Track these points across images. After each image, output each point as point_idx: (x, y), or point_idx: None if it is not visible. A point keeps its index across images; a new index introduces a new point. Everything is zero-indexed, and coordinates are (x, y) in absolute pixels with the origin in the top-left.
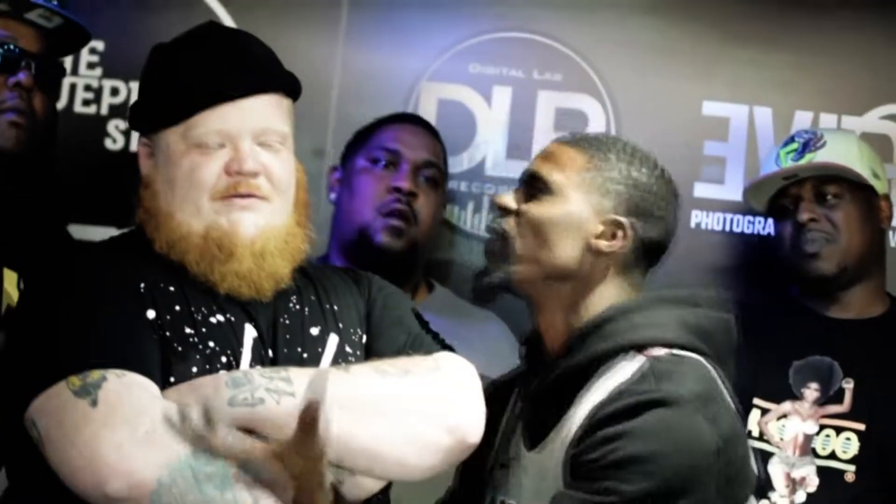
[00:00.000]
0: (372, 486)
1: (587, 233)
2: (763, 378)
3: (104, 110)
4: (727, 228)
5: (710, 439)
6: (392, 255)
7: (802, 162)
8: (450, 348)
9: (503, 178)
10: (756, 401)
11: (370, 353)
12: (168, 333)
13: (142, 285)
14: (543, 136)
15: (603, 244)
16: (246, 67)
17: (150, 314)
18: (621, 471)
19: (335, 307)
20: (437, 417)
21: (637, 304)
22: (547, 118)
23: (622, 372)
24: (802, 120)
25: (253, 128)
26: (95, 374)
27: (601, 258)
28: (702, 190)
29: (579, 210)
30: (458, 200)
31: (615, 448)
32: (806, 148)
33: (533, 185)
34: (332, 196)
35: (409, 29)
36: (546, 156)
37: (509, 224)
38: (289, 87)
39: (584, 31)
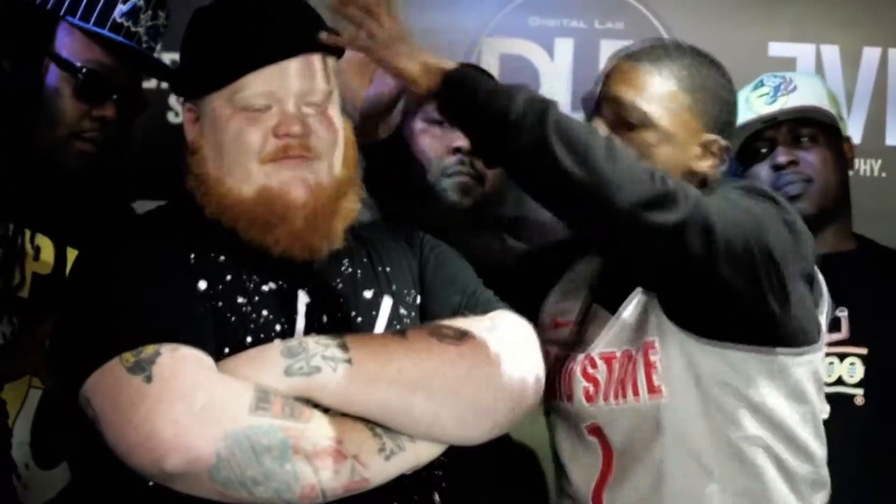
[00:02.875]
0: (432, 450)
1: (688, 157)
2: None
3: (165, 84)
4: None
5: None
6: (463, 213)
7: (776, 106)
8: (505, 305)
9: None
10: None
11: (425, 313)
12: (220, 304)
13: (192, 256)
14: None
15: (703, 166)
16: (289, 28)
17: (202, 285)
18: None
19: (388, 268)
20: (494, 379)
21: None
22: None
23: None
24: (871, 56)
25: (299, 89)
26: (149, 350)
27: (694, 177)
28: None
29: (677, 138)
30: None
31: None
32: (778, 92)
33: (626, 116)
34: None
35: None
36: (631, 81)
37: None
38: (333, 45)
39: None
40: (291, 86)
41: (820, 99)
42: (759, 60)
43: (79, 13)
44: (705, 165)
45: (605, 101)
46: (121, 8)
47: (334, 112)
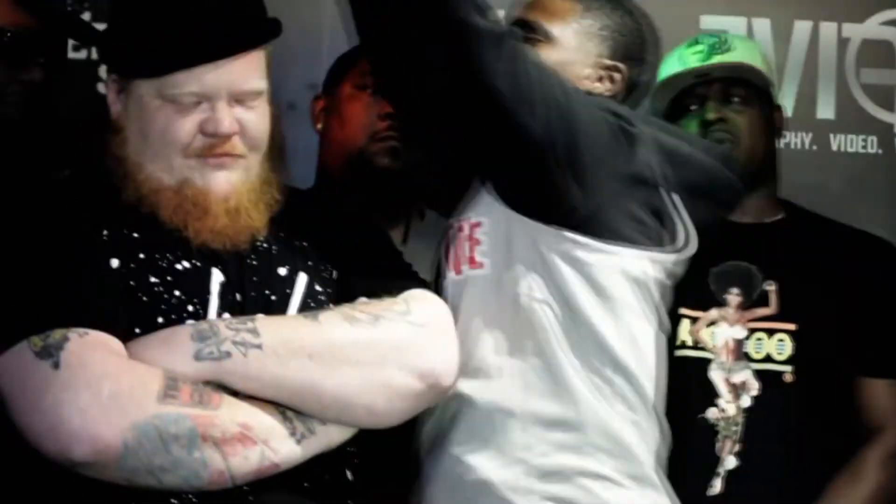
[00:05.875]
0: (344, 433)
1: (582, 78)
2: (685, 287)
3: (95, 54)
4: None
5: None
6: (392, 177)
7: (710, 63)
8: (423, 283)
9: None
10: (683, 310)
11: (342, 288)
12: (132, 283)
13: (105, 232)
14: None
15: (599, 87)
16: (227, 23)
17: (114, 263)
18: None
19: (305, 243)
20: (408, 364)
21: None
22: None
23: None
24: (802, 30)
25: (231, 88)
26: (57, 335)
27: None
28: None
29: (575, 57)
30: None
31: None
32: (713, 51)
33: (527, 33)
34: (319, 126)
35: None
36: (537, 4)
37: None
38: (271, 36)
39: None
40: (224, 85)
41: (755, 61)
42: (690, 33)
43: None
44: (600, 88)
45: (517, 25)
46: None
47: (264, 105)
